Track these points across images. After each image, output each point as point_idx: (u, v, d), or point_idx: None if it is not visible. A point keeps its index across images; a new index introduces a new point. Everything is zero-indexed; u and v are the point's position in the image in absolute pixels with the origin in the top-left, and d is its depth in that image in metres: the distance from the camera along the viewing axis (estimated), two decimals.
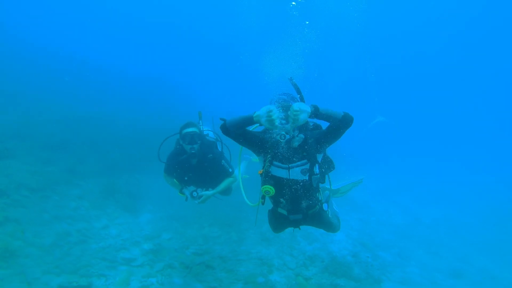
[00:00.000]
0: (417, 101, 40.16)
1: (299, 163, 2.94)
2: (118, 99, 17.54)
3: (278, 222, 3.43)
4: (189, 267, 6.21)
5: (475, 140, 33.58)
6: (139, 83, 22.79)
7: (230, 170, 4.71)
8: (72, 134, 10.22)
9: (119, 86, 20.65)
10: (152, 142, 5.64)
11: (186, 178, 4.60)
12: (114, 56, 30.98)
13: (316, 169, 2.96)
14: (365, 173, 14.26)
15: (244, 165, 6.60)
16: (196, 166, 4.53)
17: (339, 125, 2.76)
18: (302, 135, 2.98)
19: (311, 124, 3.24)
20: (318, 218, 3.36)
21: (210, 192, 4.47)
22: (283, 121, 2.76)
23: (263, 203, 3.30)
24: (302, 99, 3.16)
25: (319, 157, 3.09)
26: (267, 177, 3.01)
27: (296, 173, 2.95)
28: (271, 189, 2.97)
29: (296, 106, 2.54)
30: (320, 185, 3.12)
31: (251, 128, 3.19)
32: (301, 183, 2.98)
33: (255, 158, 5.38)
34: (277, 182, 3.00)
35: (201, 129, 4.61)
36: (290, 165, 2.94)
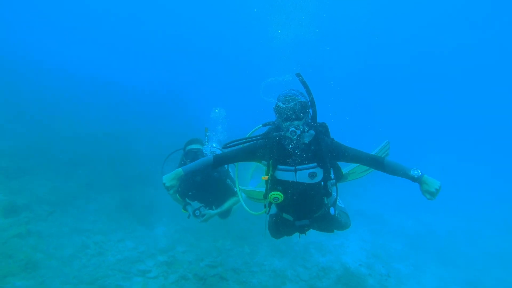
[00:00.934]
0: (430, 105, 39.67)
1: (307, 165, 2.75)
2: (132, 115, 18.09)
3: (281, 227, 3.24)
4: (203, 279, 6.32)
5: (497, 143, 32.50)
6: (152, 98, 23.43)
7: (235, 189, 4.40)
8: (90, 151, 10.63)
9: (132, 102, 21.29)
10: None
11: (190, 194, 4.54)
12: (126, 72, 32.08)
13: (326, 174, 2.80)
14: (379, 184, 14.22)
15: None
16: (200, 184, 4.43)
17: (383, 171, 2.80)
18: (312, 131, 2.79)
19: (318, 123, 2.96)
20: (326, 221, 3.15)
21: (213, 211, 4.34)
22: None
23: (268, 212, 3.14)
24: (310, 94, 2.85)
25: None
26: (273, 183, 2.84)
27: (303, 176, 2.75)
28: (279, 196, 2.77)
29: (434, 185, 2.52)
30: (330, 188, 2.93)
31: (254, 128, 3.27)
32: (309, 187, 2.80)
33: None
34: (284, 187, 2.82)
35: (207, 145, 4.53)
36: (297, 167, 2.75)
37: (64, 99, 17.02)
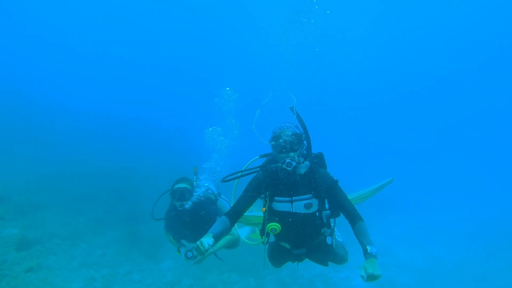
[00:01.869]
0: (439, 137, 39.49)
1: (303, 196, 2.78)
2: (139, 150, 18.63)
3: (279, 255, 3.25)
4: None
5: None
6: (159, 132, 24.09)
7: None
8: (99, 186, 10.97)
9: (139, 137, 21.95)
10: None
11: (184, 233, 4.32)
12: (134, 107, 33.31)
13: (321, 205, 2.82)
14: (387, 216, 14.16)
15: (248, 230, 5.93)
16: (190, 224, 4.23)
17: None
18: (307, 162, 2.81)
19: (313, 153, 3.02)
20: (323, 251, 3.13)
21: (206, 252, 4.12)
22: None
23: (266, 242, 3.11)
24: (304, 127, 2.90)
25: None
26: (271, 214, 2.87)
27: (299, 206, 2.79)
28: (277, 227, 2.79)
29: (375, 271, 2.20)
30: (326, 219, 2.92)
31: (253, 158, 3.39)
32: (305, 217, 2.83)
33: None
34: (281, 218, 2.85)
35: (195, 184, 4.32)
36: (293, 198, 2.79)
37: (72, 136, 17.74)
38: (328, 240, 3.10)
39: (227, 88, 6.08)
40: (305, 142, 2.92)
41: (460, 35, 28.05)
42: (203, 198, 4.26)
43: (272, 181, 2.86)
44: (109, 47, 35.77)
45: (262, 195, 2.92)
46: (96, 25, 33.27)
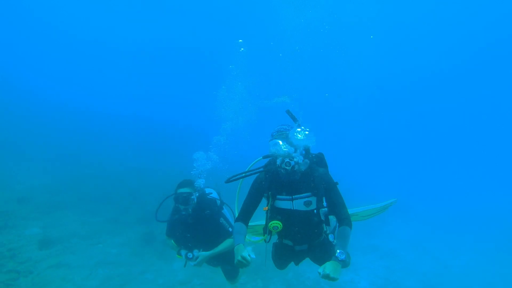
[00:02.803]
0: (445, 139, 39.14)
1: (303, 194, 2.94)
2: (152, 150, 19.08)
3: (283, 254, 3.36)
4: None
5: None
6: (174, 132, 24.50)
7: (230, 229, 4.22)
8: (114, 187, 11.45)
9: (154, 137, 22.40)
10: None
11: (187, 235, 4.20)
12: (150, 108, 33.77)
13: (319, 202, 2.96)
14: (394, 219, 14.26)
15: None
16: (193, 225, 4.15)
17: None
18: (307, 160, 2.98)
19: (313, 154, 3.20)
20: (325, 250, 3.23)
21: (207, 253, 4.04)
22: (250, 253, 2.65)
23: (268, 240, 3.20)
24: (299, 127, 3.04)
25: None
26: (273, 213, 3.02)
27: (299, 204, 2.94)
28: (279, 224, 2.95)
29: (335, 274, 2.44)
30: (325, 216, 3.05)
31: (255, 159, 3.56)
32: (306, 215, 2.98)
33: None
34: (283, 215, 3.00)
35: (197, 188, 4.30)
36: (293, 196, 2.95)
37: (88, 136, 18.31)
38: (330, 237, 3.28)
39: (240, 40, 6.17)
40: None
41: (460, 35, 27.75)
42: (207, 197, 4.30)
43: (273, 181, 3.02)
44: (123, 48, 36.36)
45: (265, 194, 3.10)
46: (108, 24, 33.74)
